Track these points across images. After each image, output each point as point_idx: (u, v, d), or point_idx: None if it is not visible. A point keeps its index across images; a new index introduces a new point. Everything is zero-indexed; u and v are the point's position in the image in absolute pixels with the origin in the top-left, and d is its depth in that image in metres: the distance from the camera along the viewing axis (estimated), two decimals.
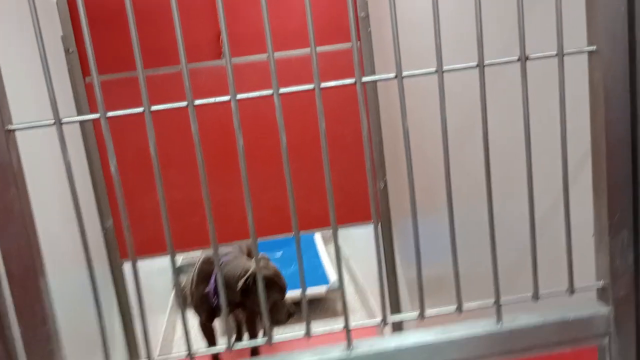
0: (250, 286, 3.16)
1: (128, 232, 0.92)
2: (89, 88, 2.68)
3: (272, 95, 0.88)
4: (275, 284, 3.25)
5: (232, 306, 3.31)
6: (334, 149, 2.88)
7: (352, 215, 3.02)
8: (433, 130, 2.17)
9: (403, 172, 2.43)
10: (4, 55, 1.81)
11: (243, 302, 3.23)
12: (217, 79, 2.83)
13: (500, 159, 1.47)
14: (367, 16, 2.81)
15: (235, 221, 2.84)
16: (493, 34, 1.41)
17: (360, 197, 2.96)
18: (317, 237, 5.34)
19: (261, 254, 3.59)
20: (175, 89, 2.69)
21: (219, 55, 2.84)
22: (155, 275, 3.99)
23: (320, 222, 2.96)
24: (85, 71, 2.65)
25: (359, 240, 4.38)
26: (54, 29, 2.54)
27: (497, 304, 0.97)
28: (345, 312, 0.99)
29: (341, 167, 2.88)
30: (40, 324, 0.86)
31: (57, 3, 2.59)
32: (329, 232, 5.32)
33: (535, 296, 0.98)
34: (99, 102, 0.85)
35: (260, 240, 3.01)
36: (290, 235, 2.97)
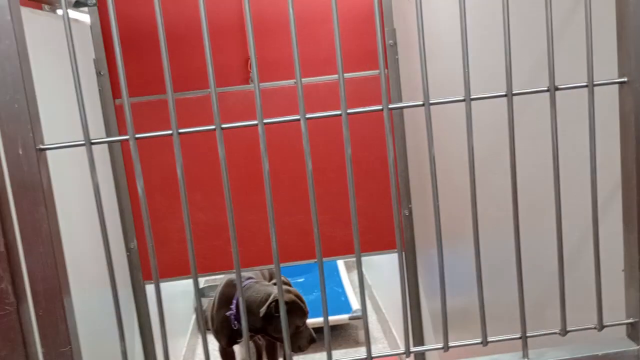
0: (272, 311, 3.14)
1: (152, 254, 0.92)
2: (118, 110, 2.73)
3: (299, 120, 0.88)
4: (298, 309, 3.22)
5: (253, 331, 3.29)
6: (361, 175, 2.88)
7: (377, 243, 3.00)
8: (460, 157, 2.15)
9: (428, 200, 2.41)
10: (40, 76, 1.85)
11: (264, 327, 3.20)
12: (246, 103, 2.85)
13: (529, 189, 1.45)
14: (395, 44, 2.82)
15: (259, 246, 2.84)
16: (523, 62, 1.40)
17: (385, 224, 2.95)
18: (340, 264, 5.31)
19: (283, 278, 3.58)
20: (205, 112, 2.72)
21: (248, 79, 2.87)
22: (178, 297, 4.00)
23: (344, 249, 2.95)
24: (116, 93, 2.69)
25: (383, 268, 4.35)
26: (87, 52, 2.60)
27: (524, 338, 0.95)
28: (367, 342, 0.98)
29: (367, 193, 2.87)
30: (63, 345, 0.86)
31: (90, 26, 2.65)
32: (352, 259, 5.29)
33: (564, 331, 0.96)
34: (129, 123, 0.86)
35: (282, 265, 3.02)
36: (313, 261, 2.96)
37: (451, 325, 0.95)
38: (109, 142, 0.89)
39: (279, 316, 2.98)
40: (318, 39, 2.81)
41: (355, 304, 4.46)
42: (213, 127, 0.89)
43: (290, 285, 3.47)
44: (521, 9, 1.40)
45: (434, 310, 2.95)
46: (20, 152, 0.82)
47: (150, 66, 2.71)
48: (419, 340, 3.15)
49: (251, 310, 3.15)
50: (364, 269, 5.28)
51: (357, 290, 5.10)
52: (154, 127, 0.92)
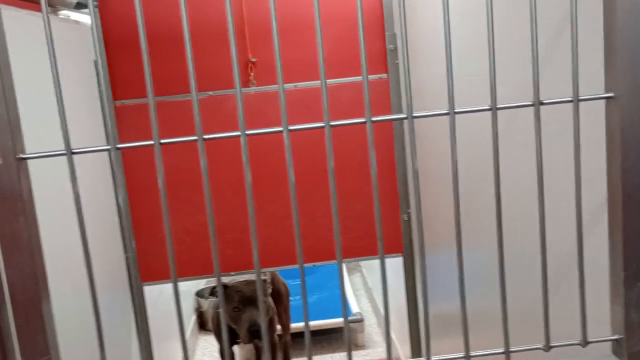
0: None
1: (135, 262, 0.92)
2: (119, 111, 2.73)
3: (282, 132, 0.88)
4: (232, 293, 3.12)
5: None
6: (361, 179, 2.87)
7: (377, 247, 3.00)
8: (461, 162, 2.14)
9: (428, 205, 2.40)
10: (39, 77, 1.85)
11: None
12: (246, 105, 2.85)
13: (524, 198, 1.44)
14: (395, 49, 2.82)
15: (260, 248, 2.84)
16: (515, 73, 1.39)
17: (385, 229, 2.94)
18: (342, 266, 5.31)
19: (272, 272, 3.60)
20: (204, 113, 2.72)
21: (248, 82, 2.87)
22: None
23: (345, 252, 2.94)
24: (115, 95, 2.69)
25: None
26: (87, 53, 2.60)
27: (507, 353, 0.94)
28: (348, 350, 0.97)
29: (367, 197, 2.86)
30: (42, 354, 0.86)
31: (91, 28, 2.65)
32: (351, 262, 5.28)
33: (547, 347, 0.95)
34: (109, 133, 0.86)
35: (283, 268, 3.02)
36: (312, 264, 2.95)
37: (449, 328, 0.95)
38: (91, 152, 0.88)
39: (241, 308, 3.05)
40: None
41: (355, 307, 4.45)
42: (195, 137, 0.88)
43: (285, 287, 3.51)
44: (514, 21, 1.39)
45: (432, 314, 2.94)
46: (0, 162, 0.82)
47: (153, 67, 2.70)
48: (417, 345, 3.14)
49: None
50: (366, 272, 5.28)
51: (357, 293, 5.09)
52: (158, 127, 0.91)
